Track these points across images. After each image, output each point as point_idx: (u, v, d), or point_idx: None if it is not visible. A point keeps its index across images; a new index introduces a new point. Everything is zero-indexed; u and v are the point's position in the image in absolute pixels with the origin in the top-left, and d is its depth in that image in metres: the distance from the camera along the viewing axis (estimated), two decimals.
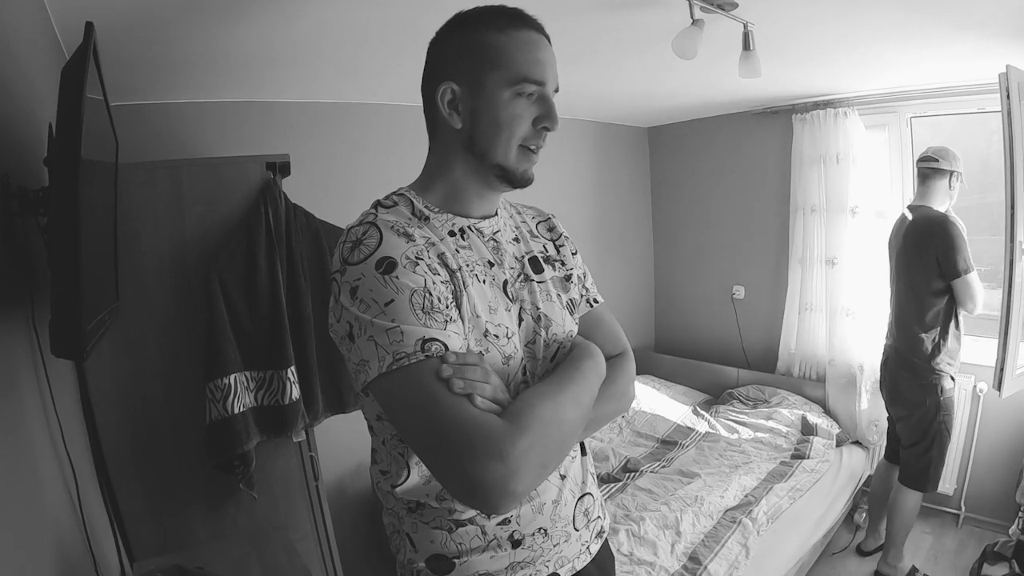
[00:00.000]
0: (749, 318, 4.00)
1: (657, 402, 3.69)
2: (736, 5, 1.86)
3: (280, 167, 1.94)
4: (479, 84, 0.86)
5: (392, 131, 2.86)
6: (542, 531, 0.93)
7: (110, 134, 1.36)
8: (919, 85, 3.01)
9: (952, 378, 2.54)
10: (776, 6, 1.89)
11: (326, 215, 2.06)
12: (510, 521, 0.91)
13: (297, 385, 1.88)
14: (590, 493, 1.03)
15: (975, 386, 3.00)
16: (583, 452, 1.04)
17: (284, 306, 1.86)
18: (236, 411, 1.77)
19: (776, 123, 3.66)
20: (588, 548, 1.01)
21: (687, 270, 4.36)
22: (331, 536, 2.05)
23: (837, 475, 2.91)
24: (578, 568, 0.99)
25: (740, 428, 3.32)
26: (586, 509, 1.01)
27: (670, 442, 3.29)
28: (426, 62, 0.92)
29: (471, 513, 0.89)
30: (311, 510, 2.01)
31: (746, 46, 2.03)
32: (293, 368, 1.87)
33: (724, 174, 4.03)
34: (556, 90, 0.91)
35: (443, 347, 0.77)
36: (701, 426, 3.43)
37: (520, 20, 0.88)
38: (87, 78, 0.86)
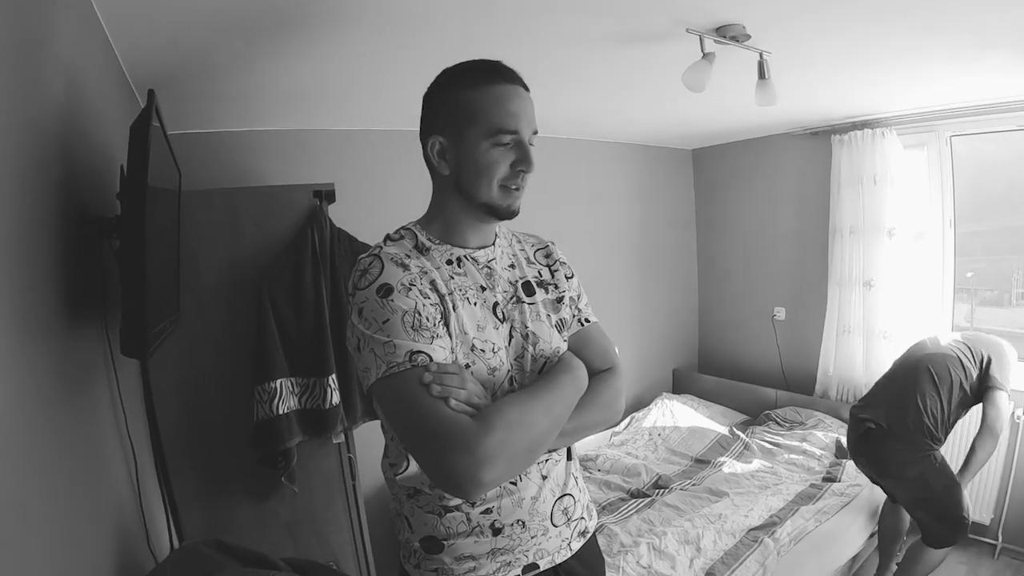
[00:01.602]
0: (789, 340, 4.00)
1: (694, 421, 3.74)
2: (749, 36, 1.95)
3: (326, 194, 2.14)
4: (460, 137, 1.00)
5: (418, 155, 3.02)
6: (520, 523, 1.05)
7: (173, 167, 1.56)
8: (958, 103, 2.99)
9: None
10: (788, 33, 1.96)
11: (366, 237, 2.24)
12: (492, 511, 1.03)
13: (338, 391, 2.06)
14: (570, 494, 1.13)
15: (1013, 412, 2.92)
16: (568, 457, 1.15)
17: (327, 319, 2.05)
18: (281, 412, 1.97)
19: (816, 144, 3.69)
20: (569, 544, 1.12)
21: (730, 291, 4.40)
22: (365, 531, 2.21)
23: (868, 500, 2.88)
24: (558, 561, 1.10)
25: (775, 449, 3.33)
26: (565, 508, 1.11)
27: (703, 461, 3.32)
28: (421, 115, 1.07)
29: (458, 501, 1.02)
30: (347, 507, 2.18)
31: (761, 75, 2.10)
32: (334, 376, 2.05)
33: (767, 195, 4.07)
34: (535, 132, 1.04)
35: (428, 358, 0.91)
36: (736, 446, 3.45)
37: (493, 75, 1.00)
38: (151, 134, 1.05)
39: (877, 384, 2.67)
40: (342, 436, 2.16)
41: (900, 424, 2.42)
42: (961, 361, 2.45)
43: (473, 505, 1.02)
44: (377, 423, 2.25)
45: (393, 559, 2.70)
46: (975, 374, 2.44)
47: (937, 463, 2.40)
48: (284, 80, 2.10)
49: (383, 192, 2.97)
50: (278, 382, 1.99)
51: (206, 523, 1.99)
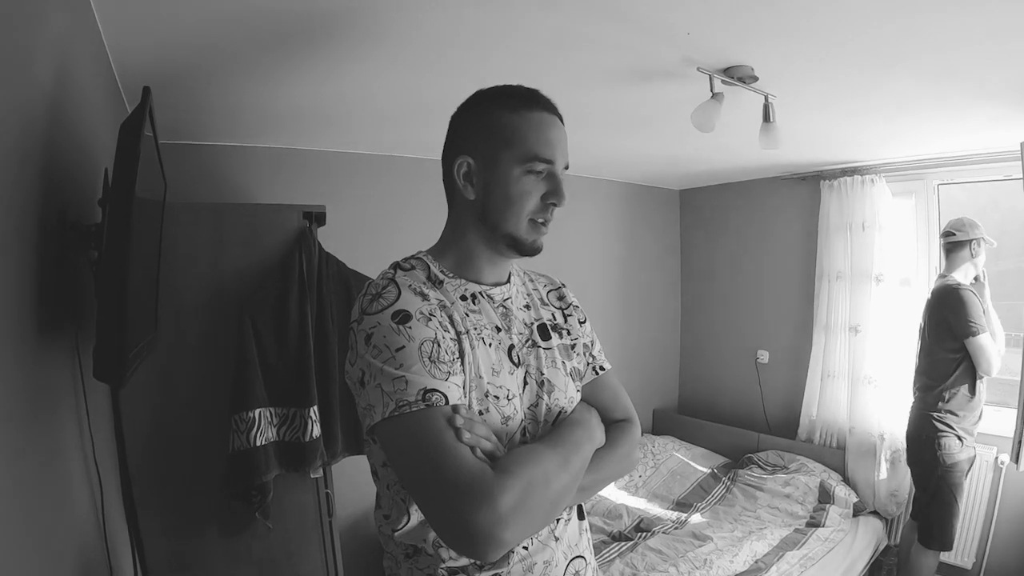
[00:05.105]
0: (772, 383, 3.98)
1: (676, 463, 3.67)
2: (757, 79, 1.94)
3: (316, 216, 2.06)
4: (493, 160, 0.93)
5: (418, 183, 2.97)
6: None
7: (159, 176, 1.46)
8: (945, 153, 3.05)
9: (960, 439, 2.59)
10: (796, 79, 1.98)
11: (356, 264, 2.17)
12: None
13: (318, 424, 1.96)
14: (582, 556, 1.04)
15: (996, 457, 2.94)
16: (580, 516, 1.06)
17: (311, 348, 1.96)
18: (258, 444, 1.87)
19: (805, 189, 3.72)
20: None
21: (713, 332, 4.37)
22: (340, 571, 2.09)
23: (852, 545, 2.85)
24: None
25: (757, 493, 3.27)
26: (576, 572, 1.02)
27: (686, 504, 3.26)
28: (447, 135, 1.00)
29: (464, 562, 0.92)
30: (323, 544, 2.07)
31: (766, 118, 2.10)
32: (316, 407, 1.96)
33: (753, 238, 4.08)
34: (566, 167, 0.98)
35: (443, 398, 0.83)
36: (718, 489, 3.39)
37: (533, 101, 0.95)
38: (142, 136, 0.96)
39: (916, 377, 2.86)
40: (320, 471, 2.05)
41: (920, 409, 2.72)
42: (942, 342, 2.68)
43: (480, 569, 0.92)
44: (356, 458, 2.17)
45: None
46: (951, 335, 2.64)
47: (940, 451, 2.59)
48: (283, 97, 2.04)
49: (376, 218, 2.90)
50: (257, 412, 1.89)
51: (173, 557, 1.87)
